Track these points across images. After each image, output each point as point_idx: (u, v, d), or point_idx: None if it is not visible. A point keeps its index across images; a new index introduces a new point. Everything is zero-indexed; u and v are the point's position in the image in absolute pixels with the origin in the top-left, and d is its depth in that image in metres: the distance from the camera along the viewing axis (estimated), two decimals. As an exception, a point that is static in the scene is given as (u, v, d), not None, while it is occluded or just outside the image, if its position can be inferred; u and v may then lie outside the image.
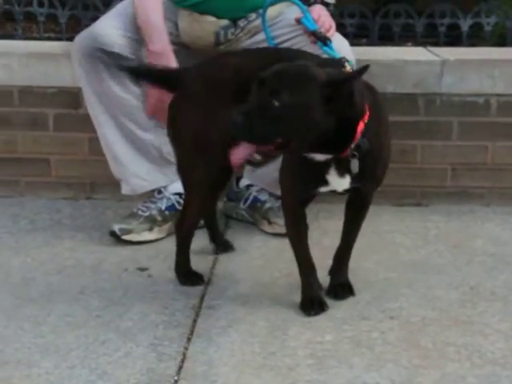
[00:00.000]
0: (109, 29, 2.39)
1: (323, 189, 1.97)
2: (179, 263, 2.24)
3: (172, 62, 2.37)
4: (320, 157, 1.89)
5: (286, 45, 2.42)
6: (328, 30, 2.36)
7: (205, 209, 2.25)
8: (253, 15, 2.48)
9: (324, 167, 1.92)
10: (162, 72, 2.22)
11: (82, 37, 2.43)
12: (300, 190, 2.01)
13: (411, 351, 1.84)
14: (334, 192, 1.99)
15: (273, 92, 1.75)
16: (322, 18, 2.37)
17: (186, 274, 2.23)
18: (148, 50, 2.38)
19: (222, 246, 2.46)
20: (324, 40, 2.28)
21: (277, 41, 2.43)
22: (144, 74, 2.24)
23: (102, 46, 2.35)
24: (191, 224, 2.20)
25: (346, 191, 2.00)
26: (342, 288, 2.13)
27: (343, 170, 1.92)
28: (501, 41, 3.26)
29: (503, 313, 2.03)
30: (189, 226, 2.20)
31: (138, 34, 2.41)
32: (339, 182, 1.95)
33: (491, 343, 1.87)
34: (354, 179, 1.95)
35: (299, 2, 2.40)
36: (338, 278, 2.15)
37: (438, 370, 1.76)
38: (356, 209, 2.11)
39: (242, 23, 2.48)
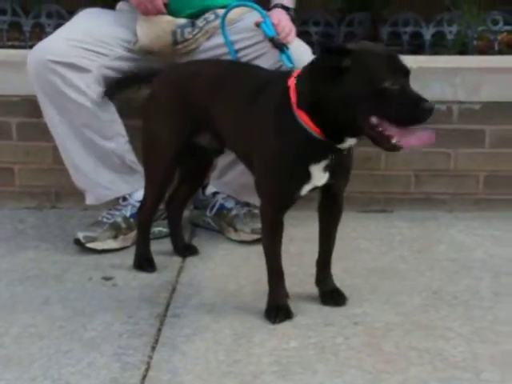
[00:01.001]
0: (61, 40, 2.40)
1: (306, 187, 1.97)
2: (137, 249, 2.38)
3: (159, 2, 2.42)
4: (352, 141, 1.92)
5: (245, 50, 2.43)
6: (288, 34, 2.36)
7: (158, 199, 2.34)
8: (211, 16, 2.49)
9: (316, 159, 1.92)
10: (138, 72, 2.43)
11: (35, 49, 2.44)
12: (283, 194, 1.99)
13: (375, 356, 1.85)
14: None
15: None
16: (281, 22, 2.38)
17: (141, 260, 2.36)
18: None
19: (186, 251, 2.47)
20: (281, 47, 2.30)
21: (237, 46, 2.44)
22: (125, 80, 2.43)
23: (54, 58, 2.36)
24: (148, 211, 2.34)
25: (321, 188, 2.01)
26: (337, 294, 2.15)
27: (332, 161, 1.94)
28: (463, 49, 3.30)
29: (465, 317, 2.06)
30: (146, 213, 2.35)
31: (93, 45, 2.42)
32: (321, 177, 1.97)
33: (453, 347, 1.90)
34: (332, 174, 1.98)
35: (258, 7, 2.41)
36: (329, 285, 2.16)
37: (401, 375, 1.78)
38: (331, 212, 2.13)
39: (200, 23, 2.48)
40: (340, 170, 2.00)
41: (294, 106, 1.90)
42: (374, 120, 1.81)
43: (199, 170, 2.42)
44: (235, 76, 2.15)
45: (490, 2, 3.45)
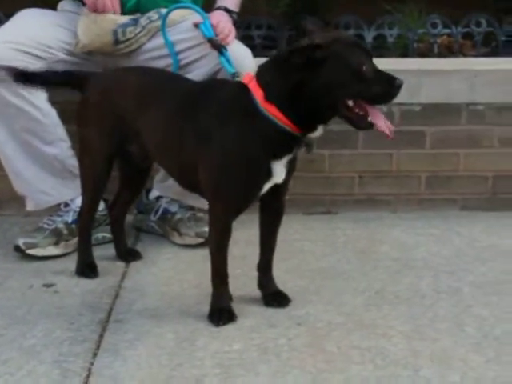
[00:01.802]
0: None
1: (266, 185, 1.98)
2: (79, 255, 2.36)
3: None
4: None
5: (186, 52, 2.42)
6: (227, 36, 2.37)
7: (94, 202, 2.34)
8: (155, 15, 2.47)
9: (280, 154, 1.95)
10: (70, 75, 2.32)
11: None
12: (243, 196, 1.99)
13: (317, 356, 1.87)
14: None
15: None
16: (221, 24, 2.38)
17: (83, 266, 2.34)
18: None
19: (129, 256, 2.46)
20: (219, 48, 2.30)
21: (177, 47, 2.42)
22: (49, 77, 2.30)
23: None
24: (85, 216, 2.34)
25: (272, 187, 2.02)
26: (280, 295, 2.15)
27: (294, 156, 2.00)
28: (405, 52, 3.35)
29: (406, 315, 2.08)
30: (84, 219, 2.35)
31: (33, 48, 2.38)
32: (281, 173, 2.00)
33: (393, 345, 1.92)
34: (287, 170, 2.01)
35: (199, 9, 2.41)
36: (272, 287, 2.17)
37: (342, 374, 1.79)
38: (273, 214, 2.14)
39: (143, 21, 2.46)
40: (291, 167, 2.03)
41: (261, 100, 1.91)
42: (350, 102, 1.90)
43: (138, 175, 2.40)
44: (162, 86, 2.14)
45: (430, 6, 3.52)
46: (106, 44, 2.45)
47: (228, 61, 2.26)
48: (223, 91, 2.01)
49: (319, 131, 1.98)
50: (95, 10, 2.40)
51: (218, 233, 2.04)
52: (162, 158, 2.18)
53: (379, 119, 1.94)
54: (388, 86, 1.91)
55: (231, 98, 1.98)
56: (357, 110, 1.92)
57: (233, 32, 2.40)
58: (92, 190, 2.29)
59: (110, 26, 2.42)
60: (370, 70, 1.90)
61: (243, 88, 1.95)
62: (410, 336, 1.96)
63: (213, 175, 1.98)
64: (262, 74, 1.95)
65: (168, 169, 2.22)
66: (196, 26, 2.38)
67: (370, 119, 1.93)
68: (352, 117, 1.93)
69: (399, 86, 1.91)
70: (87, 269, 2.34)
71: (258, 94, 1.92)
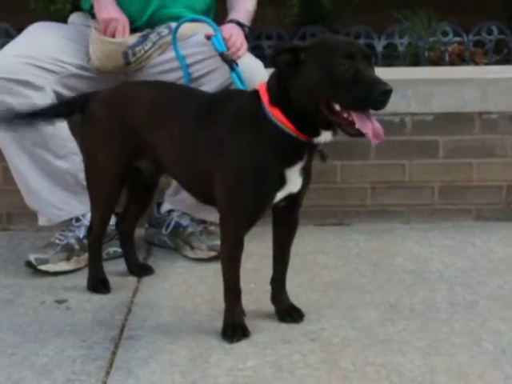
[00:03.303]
0: (11, 58, 2.35)
1: (279, 194, 1.95)
2: (90, 270, 2.34)
3: (125, 24, 2.41)
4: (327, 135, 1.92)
5: (197, 65, 2.41)
6: (238, 49, 2.35)
7: (104, 220, 2.31)
8: (165, 30, 2.46)
9: (292, 161, 1.92)
10: (69, 103, 2.29)
11: None
12: (255, 206, 1.95)
13: (331, 373, 1.84)
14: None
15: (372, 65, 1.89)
16: (233, 37, 2.37)
17: (95, 282, 2.32)
18: (101, 20, 2.40)
19: (141, 270, 2.44)
20: (230, 63, 2.29)
21: (188, 60, 2.42)
22: (49, 112, 2.25)
23: (4, 75, 2.32)
24: (96, 233, 2.31)
25: (287, 198, 2.00)
26: (294, 310, 2.13)
27: (307, 163, 1.96)
28: (416, 60, 3.34)
29: (422, 330, 2.06)
30: (95, 235, 2.32)
31: (45, 62, 2.38)
32: (296, 182, 1.97)
33: (410, 361, 1.89)
34: (303, 179, 1.98)
35: (211, 21, 2.39)
36: (285, 302, 2.15)
37: (358, 391, 1.77)
38: (287, 227, 2.11)
39: (153, 37, 2.46)
40: (306, 177, 2.00)
41: (267, 104, 1.90)
42: (337, 107, 1.83)
43: (145, 190, 2.38)
44: (176, 100, 2.12)
45: (440, 14, 3.50)
46: (117, 65, 2.46)
47: (239, 76, 2.25)
48: (237, 100, 2.00)
49: (324, 137, 1.91)
50: (105, 33, 2.40)
51: (230, 245, 2.02)
52: (178, 171, 2.15)
53: (364, 124, 1.81)
54: (366, 92, 1.78)
55: (244, 106, 1.96)
56: (345, 115, 1.83)
57: (244, 45, 2.39)
58: (102, 208, 2.27)
59: (120, 49, 2.42)
60: (351, 73, 1.79)
61: (255, 95, 1.94)
62: (425, 351, 1.94)
63: (226, 183, 1.95)
64: (269, 79, 1.96)
65: (184, 182, 2.18)
66: (208, 38, 2.37)
67: (358, 126, 1.82)
68: (341, 122, 1.85)
69: (382, 93, 1.77)
70: (99, 284, 2.32)
71: (265, 98, 1.92)
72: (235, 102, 1.99)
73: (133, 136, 2.14)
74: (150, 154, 2.14)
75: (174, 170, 2.16)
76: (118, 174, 2.21)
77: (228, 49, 2.34)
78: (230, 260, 2.03)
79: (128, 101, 2.17)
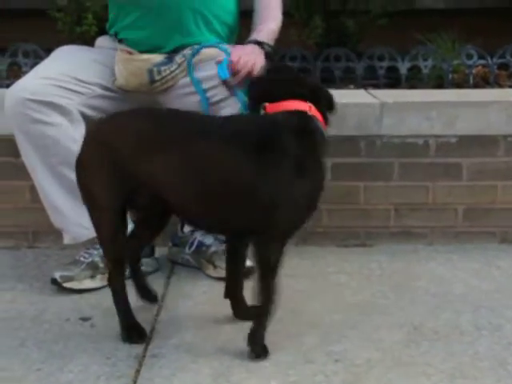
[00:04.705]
0: (38, 79, 2.40)
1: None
2: (120, 318, 2.15)
3: None
4: None
5: (213, 91, 2.39)
6: (250, 71, 2.31)
7: (119, 263, 2.13)
8: (190, 52, 2.48)
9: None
10: None
11: (12, 88, 2.43)
12: (301, 222, 2.00)
13: (355, 395, 1.84)
14: None
15: None
16: (242, 59, 2.33)
17: (129, 330, 2.13)
18: None
19: (144, 296, 2.31)
20: (232, 90, 2.31)
21: (206, 85, 2.40)
22: None
23: (31, 97, 2.36)
24: (113, 274, 2.14)
25: None
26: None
27: None
28: (440, 81, 3.34)
29: (446, 352, 2.04)
30: (112, 277, 2.15)
31: (71, 83, 2.42)
32: None
33: (434, 384, 1.89)
34: None
35: (223, 47, 2.40)
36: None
37: (382, 413, 1.76)
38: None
39: (179, 59, 2.47)
40: None
41: (323, 124, 2.05)
42: None
43: (156, 217, 2.20)
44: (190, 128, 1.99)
45: (463, 36, 3.50)
46: (142, 84, 2.48)
47: (242, 103, 2.27)
48: (290, 124, 2.00)
49: None
50: None
51: (275, 267, 1.97)
52: (198, 207, 2.00)
53: None
54: None
55: (301, 128, 2.03)
56: None
57: (257, 65, 2.33)
58: (108, 245, 2.10)
59: (146, 66, 2.45)
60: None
61: (306, 116, 2.04)
62: (450, 374, 1.93)
63: (279, 210, 1.92)
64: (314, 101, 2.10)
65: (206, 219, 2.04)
66: (218, 63, 2.36)
67: None
68: None
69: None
70: (133, 332, 2.13)
71: (319, 116, 2.07)
72: (288, 127, 1.97)
73: (126, 171, 1.98)
74: (149, 189, 1.99)
75: (193, 209, 2.01)
76: (114, 213, 2.04)
77: (236, 72, 2.32)
78: (273, 280, 1.98)
79: (119, 133, 2.02)
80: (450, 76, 3.30)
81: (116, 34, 2.57)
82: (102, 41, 2.66)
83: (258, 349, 2.01)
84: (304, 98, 2.02)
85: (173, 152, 1.95)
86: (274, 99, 2.03)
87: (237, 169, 1.93)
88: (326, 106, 2.08)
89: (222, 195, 1.94)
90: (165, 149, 1.96)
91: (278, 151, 1.93)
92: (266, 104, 2.02)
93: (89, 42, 2.97)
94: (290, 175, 1.92)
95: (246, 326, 2.04)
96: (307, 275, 2.55)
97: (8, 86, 2.56)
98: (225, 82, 2.34)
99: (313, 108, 2.01)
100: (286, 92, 2.03)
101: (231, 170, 1.93)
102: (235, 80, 2.34)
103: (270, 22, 2.54)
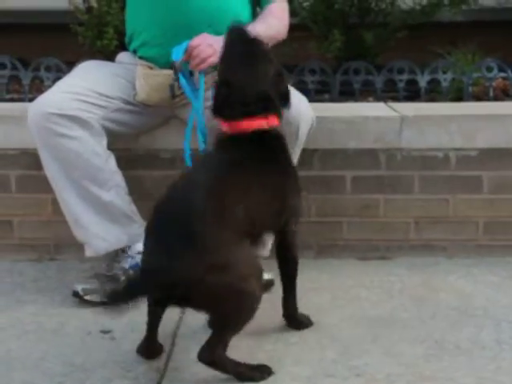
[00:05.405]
0: (61, 94, 2.43)
1: None
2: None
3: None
4: None
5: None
6: (201, 62, 2.30)
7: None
8: (209, 69, 2.49)
9: None
10: None
11: (35, 102, 2.46)
12: None
13: (377, 409, 1.83)
14: None
15: None
16: (201, 46, 2.30)
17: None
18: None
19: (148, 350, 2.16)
20: (176, 71, 2.31)
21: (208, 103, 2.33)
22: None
23: (54, 111, 2.38)
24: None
25: None
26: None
27: None
28: (459, 94, 3.34)
29: (468, 367, 2.03)
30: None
31: (93, 98, 2.44)
32: None
33: (456, 398, 1.88)
34: None
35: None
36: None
37: (404, 428, 1.75)
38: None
39: (198, 73, 2.49)
40: None
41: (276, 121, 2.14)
42: None
43: None
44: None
45: (482, 49, 3.50)
46: (163, 98, 2.51)
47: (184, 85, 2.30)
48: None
49: None
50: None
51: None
52: None
53: None
54: None
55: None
56: None
57: (212, 58, 2.30)
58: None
59: (167, 81, 2.47)
60: None
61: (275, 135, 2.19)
62: (472, 389, 1.92)
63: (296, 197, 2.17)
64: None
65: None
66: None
67: None
68: None
69: None
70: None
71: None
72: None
73: None
74: None
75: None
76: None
77: (191, 58, 2.30)
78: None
79: None
80: (470, 89, 3.30)
81: (135, 51, 2.60)
82: (123, 56, 2.70)
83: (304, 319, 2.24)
84: (258, 113, 2.08)
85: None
86: (230, 116, 2.11)
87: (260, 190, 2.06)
88: (282, 104, 2.16)
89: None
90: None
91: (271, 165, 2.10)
92: (222, 122, 2.12)
93: (109, 56, 3.01)
94: (286, 179, 2.14)
95: (265, 338, 2.04)
96: (327, 288, 2.55)
97: (31, 100, 2.60)
98: (173, 63, 2.33)
99: (269, 117, 2.10)
100: (241, 112, 2.08)
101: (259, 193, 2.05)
102: (190, 66, 2.33)
103: (258, 24, 2.44)
